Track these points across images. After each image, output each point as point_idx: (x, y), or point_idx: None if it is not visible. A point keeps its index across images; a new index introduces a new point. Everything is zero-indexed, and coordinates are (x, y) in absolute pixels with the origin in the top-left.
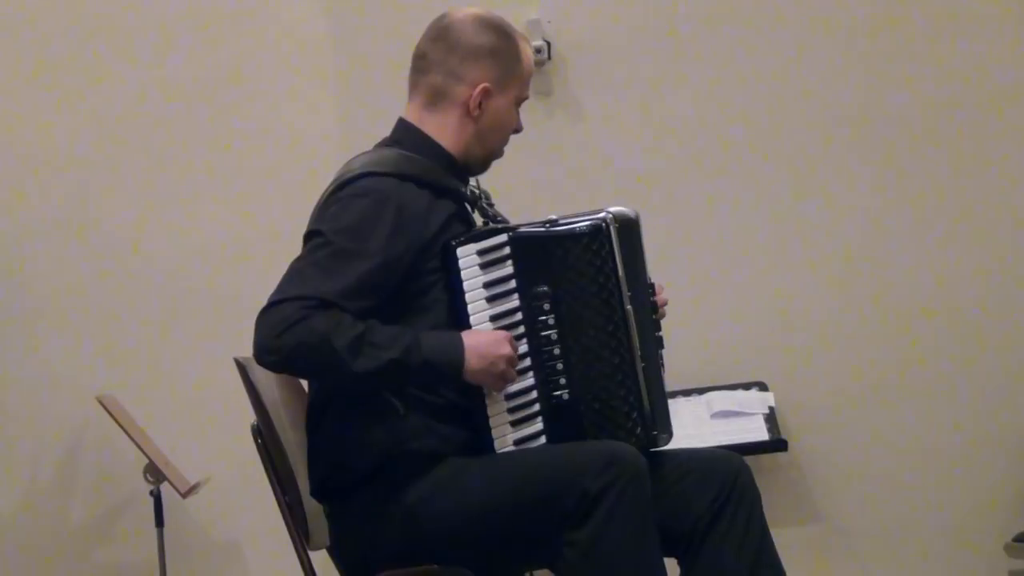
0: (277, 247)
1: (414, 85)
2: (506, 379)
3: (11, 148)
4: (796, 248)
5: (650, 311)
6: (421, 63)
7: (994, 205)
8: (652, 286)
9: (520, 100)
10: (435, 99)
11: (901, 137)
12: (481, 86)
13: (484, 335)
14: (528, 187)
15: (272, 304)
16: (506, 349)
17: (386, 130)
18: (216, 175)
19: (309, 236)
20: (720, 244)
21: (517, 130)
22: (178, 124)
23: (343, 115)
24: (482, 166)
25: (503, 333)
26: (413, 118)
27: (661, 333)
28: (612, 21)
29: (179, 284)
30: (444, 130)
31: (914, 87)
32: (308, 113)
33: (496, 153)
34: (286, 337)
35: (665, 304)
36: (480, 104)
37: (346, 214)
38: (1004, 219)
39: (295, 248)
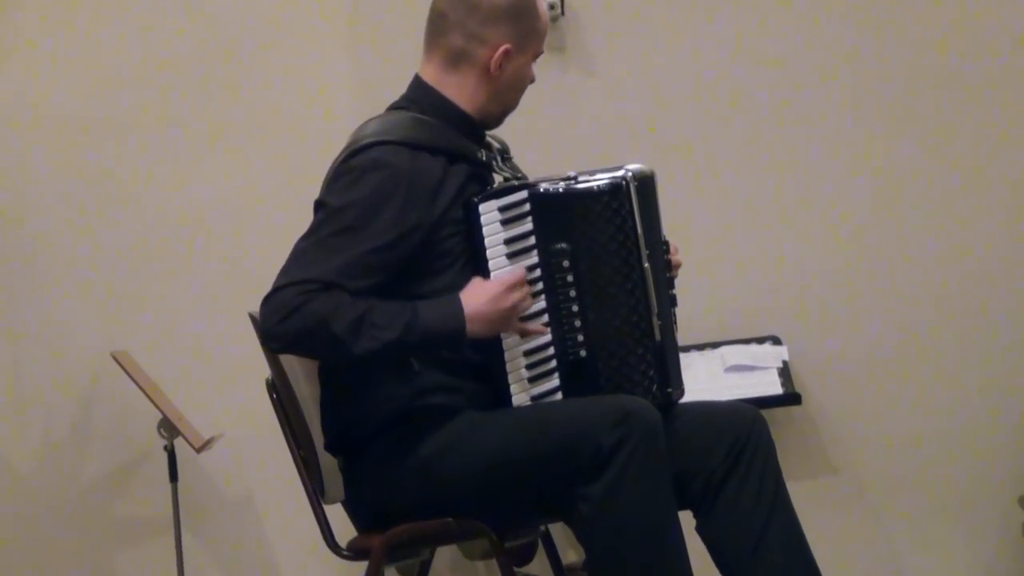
0: (291, 202)
1: (431, 45)
2: (517, 328)
3: (25, 106)
4: (811, 201)
5: (664, 269)
6: (440, 23)
7: (1018, 159)
8: (667, 244)
9: (536, 56)
10: (455, 60)
11: (922, 89)
12: (503, 47)
13: (484, 295)
14: (542, 143)
15: (275, 290)
16: (508, 302)
17: (403, 85)
18: (230, 130)
19: (317, 208)
20: (735, 198)
21: (531, 82)
22: (191, 79)
23: (358, 68)
24: (497, 121)
25: (503, 282)
26: (430, 78)
27: (674, 291)
28: None
29: (193, 240)
30: (462, 91)
31: (936, 36)
32: (323, 67)
33: (511, 108)
34: (287, 324)
35: (679, 266)
36: (501, 65)
37: (356, 188)
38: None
39: (309, 204)
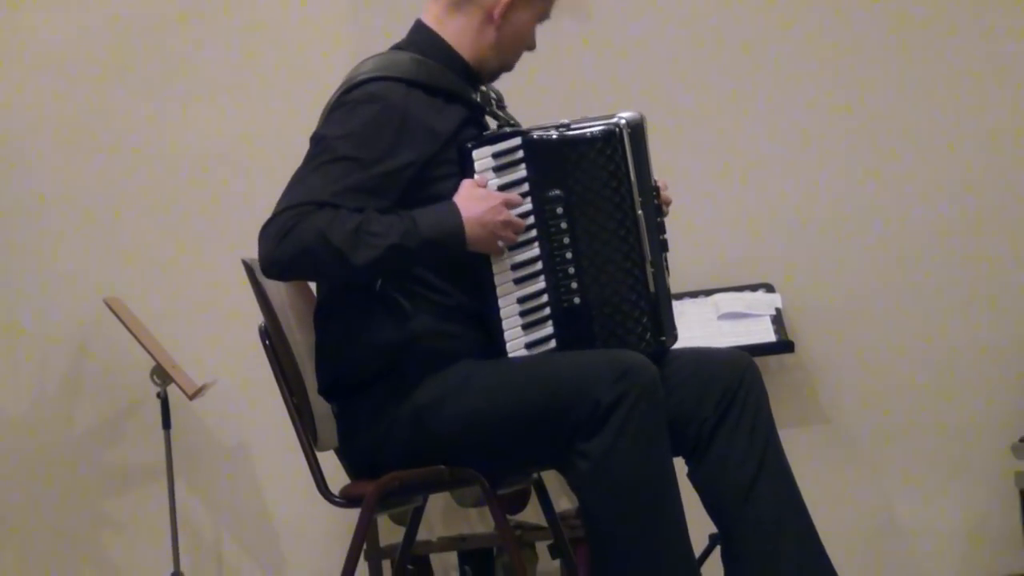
0: (285, 149)
1: None
2: (508, 242)
3: (24, 48)
4: (804, 150)
5: (655, 214)
6: None
7: (1004, 119)
8: (656, 188)
9: (542, 17)
10: (458, 3)
11: (909, 41)
12: None
13: (478, 200)
14: (535, 91)
15: (272, 217)
16: (503, 215)
17: (401, 34)
18: (225, 77)
19: (313, 142)
20: (729, 146)
21: (530, 47)
22: (188, 27)
23: (355, 17)
24: (492, 76)
25: (497, 196)
26: (431, 20)
27: (666, 236)
28: None
29: (187, 186)
30: (463, 36)
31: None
32: (320, 16)
33: (508, 67)
34: (284, 244)
35: (669, 204)
36: (505, 14)
37: (351, 120)
38: (1016, 132)
39: (302, 150)
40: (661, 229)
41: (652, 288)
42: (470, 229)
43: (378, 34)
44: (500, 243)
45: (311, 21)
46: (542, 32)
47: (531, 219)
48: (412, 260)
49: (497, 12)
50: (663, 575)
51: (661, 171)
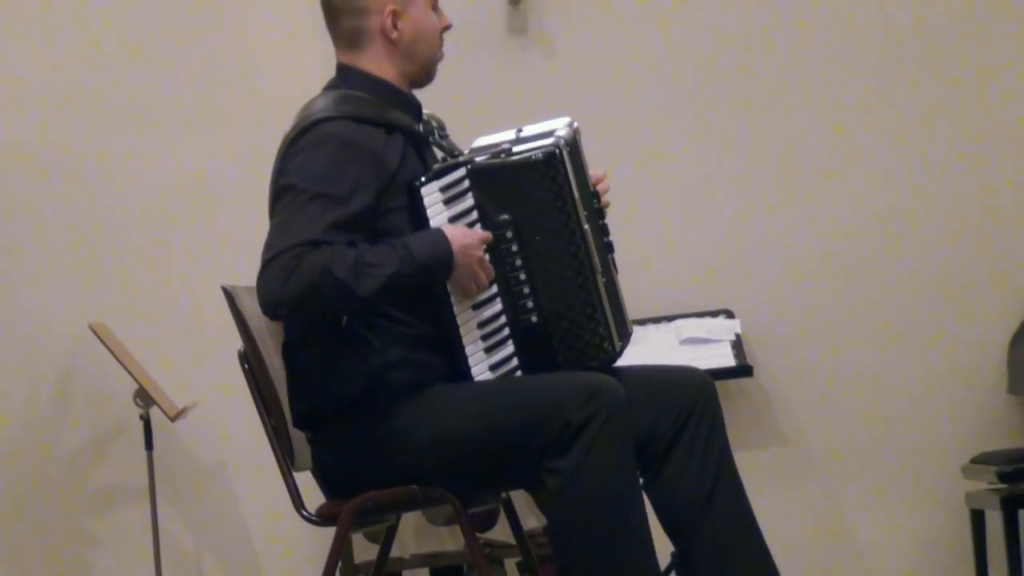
0: (258, 182)
1: (333, 34)
2: (477, 284)
3: (5, 82)
4: (764, 180)
5: (598, 218)
6: (329, 13)
7: (952, 146)
8: (596, 194)
9: (433, 2)
10: (355, 39)
11: (861, 74)
12: (388, 9)
13: (463, 232)
14: (501, 121)
15: (267, 263)
16: (480, 252)
17: None
18: (202, 113)
19: (282, 191)
20: (691, 177)
21: (446, 27)
22: (166, 65)
23: (323, 58)
24: (427, 77)
25: (481, 234)
26: (347, 60)
27: (610, 238)
28: None
29: (168, 216)
30: (376, 61)
31: (882, 29)
32: (288, 56)
33: (434, 58)
34: (291, 283)
35: (608, 191)
36: (396, 26)
37: (314, 162)
38: (964, 159)
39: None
40: (604, 232)
41: (604, 299)
42: (457, 254)
43: None
44: (473, 283)
45: (284, 59)
46: (514, 69)
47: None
48: (410, 286)
49: (388, 28)
50: None
51: (626, 202)
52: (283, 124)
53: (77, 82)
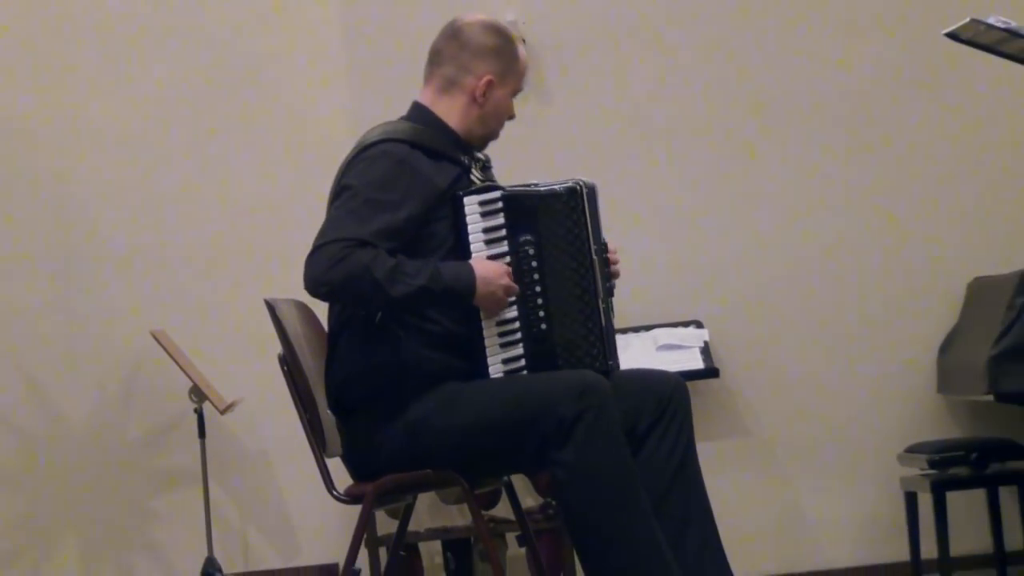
0: (298, 208)
1: (429, 75)
2: (501, 305)
3: (85, 124)
4: (728, 211)
5: (605, 263)
6: (436, 57)
7: (888, 186)
8: (605, 245)
9: (516, 92)
10: (447, 87)
11: (818, 122)
12: (486, 78)
13: (491, 267)
14: (504, 161)
15: (319, 247)
16: (505, 280)
17: (389, 114)
18: (250, 148)
19: (341, 190)
20: (666, 208)
21: (511, 117)
22: (218, 105)
23: (353, 105)
24: (481, 145)
25: (504, 267)
26: (427, 101)
27: (612, 283)
28: (576, 24)
29: (219, 237)
30: (452, 112)
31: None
32: (324, 99)
33: (493, 135)
34: (334, 271)
35: (617, 263)
36: (485, 93)
37: (372, 171)
38: (897, 199)
39: (313, 208)
40: (607, 277)
41: (603, 319)
42: (480, 287)
43: (368, 111)
44: (496, 307)
45: (318, 102)
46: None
47: (507, 259)
48: (433, 301)
49: (479, 94)
50: (639, 550)
51: (612, 229)
52: (317, 159)
53: (141, 124)
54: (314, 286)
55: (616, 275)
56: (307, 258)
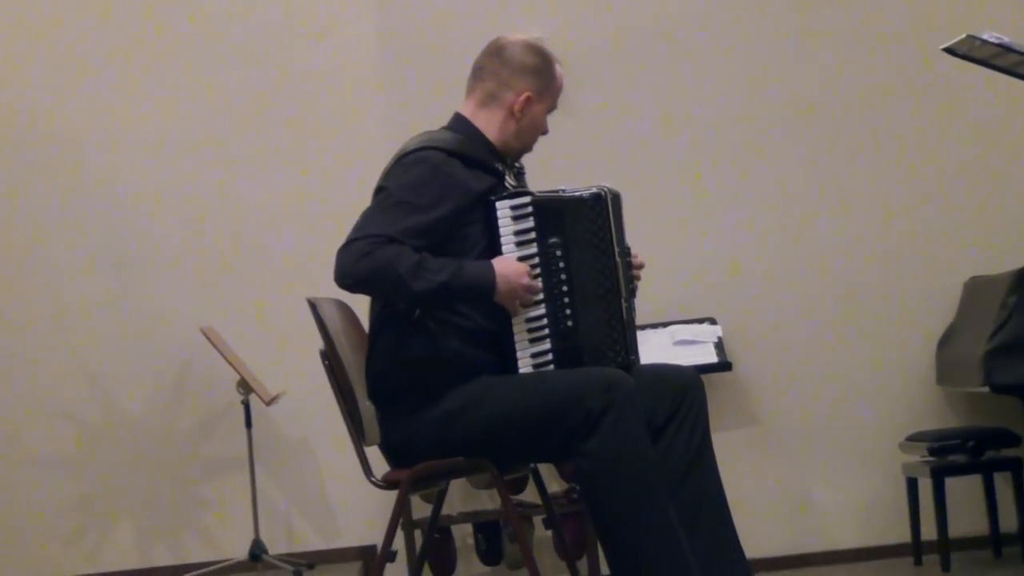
0: (336, 215)
1: (471, 89)
2: (523, 303)
3: (136, 136)
4: (739, 217)
5: (628, 267)
6: (479, 73)
7: (890, 192)
8: (629, 249)
9: (551, 109)
10: (487, 101)
11: (825, 130)
12: (525, 94)
13: (511, 266)
14: (533, 168)
15: (350, 241)
16: (526, 280)
17: (421, 126)
18: (293, 157)
19: (378, 192)
20: (683, 213)
21: (544, 132)
22: (262, 117)
23: (389, 117)
24: (516, 157)
25: (524, 267)
26: (467, 113)
27: (635, 284)
28: (599, 40)
29: (264, 241)
30: (490, 125)
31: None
32: (362, 112)
33: (527, 149)
34: (361, 265)
35: (642, 267)
36: (523, 108)
37: (407, 175)
38: (898, 203)
39: (351, 214)
40: (630, 280)
41: (625, 317)
42: (500, 285)
43: (402, 123)
44: (517, 302)
45: (356, 113)
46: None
47: (537, 259)
48: (453, 297)
49: (517, 108)
50: (655, 535)
51: (633, 232)
52: (355, 169)
53: (191, 136)
54: (342, 278)
55: (638, 278)
56: (338, 252)
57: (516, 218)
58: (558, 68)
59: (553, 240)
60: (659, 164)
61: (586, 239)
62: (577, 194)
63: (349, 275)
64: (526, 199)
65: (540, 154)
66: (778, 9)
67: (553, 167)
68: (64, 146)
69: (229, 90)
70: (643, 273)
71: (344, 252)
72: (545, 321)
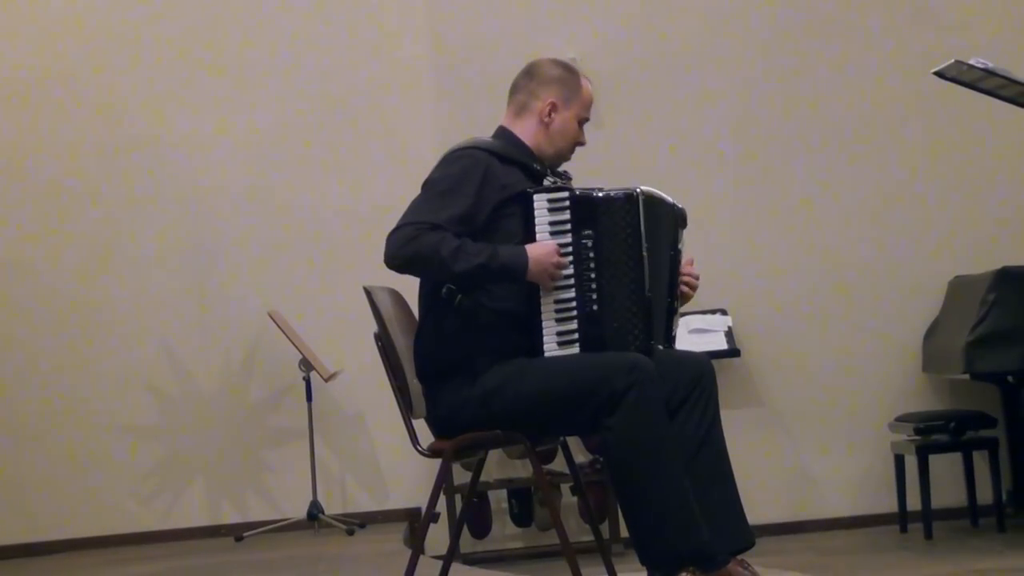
0: (391, 212)
1: (508, 103)
2: (553, 279)
3: (215, 143)
4: (748, 219)
5: (667, 267)
6: (514, 89)
7: (890, 187)
8: (679, 253)
9: (581, 120)
10: (520, 111)
11: (826, 141)
12: (550, 101)
13: (541, 248)
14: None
15: (398, 227)
16: (555, 258)
17: (469, 133)
18: (352, 161)
19: (425, 183)
20: (698, 214)
21: (581, 143)
22: (326, 126)
23: (438, 124)
24: (554, 163)
25: (553, 245)
26: (507, 123)
27: (679, 281)
28: (625, 61)
29: (326, 235)
30: (525, 133)
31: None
32: (414, 121)
33: (563, 155)
34: (407, 248)
35: (693, 276)
36: (549, 114)
37: (450, 169)
38: (889, 209)
39: (399, 210)
40: (672, 279)
41: (647, 305)
42: (531, 266)
43: (451, 132)
44: (548, 278)
45: (409, 123)
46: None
47: (569, 248)
48: (490, 278)
49: (544, 114)
50: (670, 502)
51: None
52: (407, 171)
53: (262, 143)
54: (390, 259)
55: (690, 284)
56: (388, 236)
57: (552, 210)
58: (584, 81)
59: (586, 232)
60: (677, 173)
61: (616, 233)
62: (611, 193)
63: (396, 256)
64: (564, 193)
65: (574, 166)
66: (779, 35)
67: (586, 176)
68: (153, 149)
69: (300, 101)
70: None
71: (393, 236)
72: (574, 304)
